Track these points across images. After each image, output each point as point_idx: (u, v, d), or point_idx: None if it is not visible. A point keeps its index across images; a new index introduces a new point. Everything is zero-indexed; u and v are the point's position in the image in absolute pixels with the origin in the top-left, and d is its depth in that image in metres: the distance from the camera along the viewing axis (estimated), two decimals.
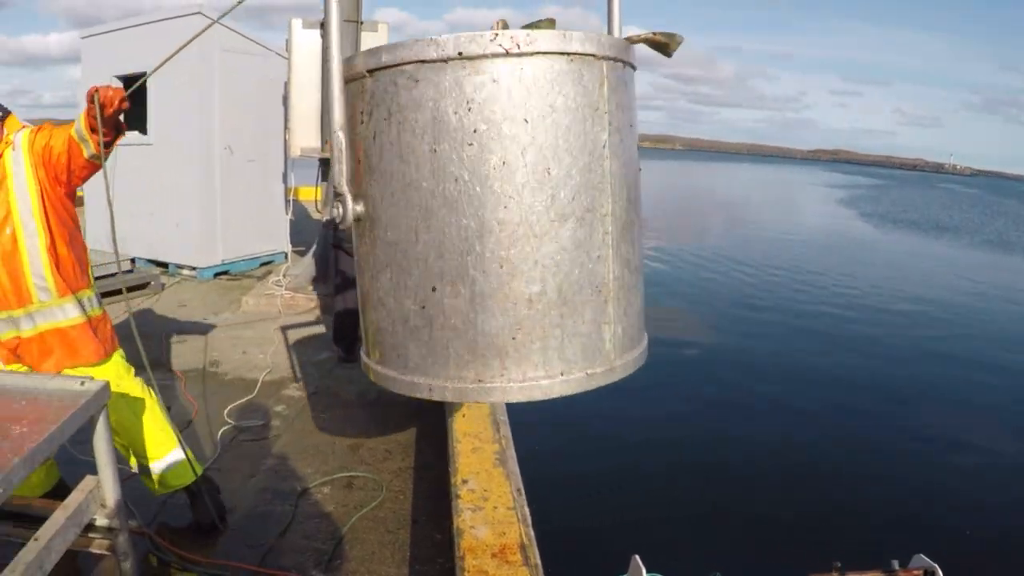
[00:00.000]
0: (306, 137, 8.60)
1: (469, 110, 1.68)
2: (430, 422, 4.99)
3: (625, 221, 1.87)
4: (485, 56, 1.67)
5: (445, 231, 1.73)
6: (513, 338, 1.76)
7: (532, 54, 1.68)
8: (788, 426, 9.09)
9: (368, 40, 8.74)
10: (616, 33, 2.13)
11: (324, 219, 8.36)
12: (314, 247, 8.83)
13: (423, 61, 1.70)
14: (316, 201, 8.45)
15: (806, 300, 16.65)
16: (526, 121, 1.68)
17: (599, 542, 6.08)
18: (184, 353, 6.55)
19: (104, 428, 2.50)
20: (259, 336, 7.04)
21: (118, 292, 8.43)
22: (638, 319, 2.01)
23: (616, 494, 7.16)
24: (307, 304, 7.92)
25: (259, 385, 5.68)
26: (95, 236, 8.34)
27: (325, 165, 8.35)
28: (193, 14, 9.27)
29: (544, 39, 1.70)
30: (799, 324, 14.38)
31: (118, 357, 3.56)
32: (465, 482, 3.44)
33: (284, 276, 8.55)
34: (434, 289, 1.77)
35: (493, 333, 1.76)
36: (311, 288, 8.26)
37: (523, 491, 3.45)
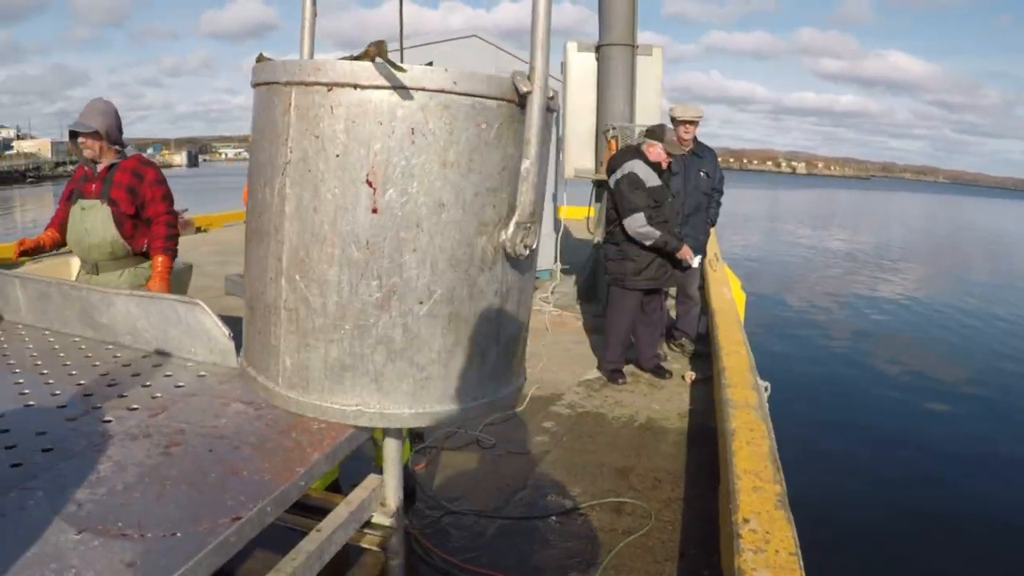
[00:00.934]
0: (580, 158, 8.70)
1: None
2: (701, 453, 4.86)
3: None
4: None
5: None
6: None
7: None
8: None
9: (643, 64, 8.74)
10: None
11: (595, 240, 8.41)
12: (584, 266, 8.89)
13: None
14: (587, 220, 8.50)
15: None
16: None
17: None
18: None
19: (396, 430, 2.57)
20: (528, 351, 7.06)
21: None
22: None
23: (890, 550, 6.74)
24: (574, 322, 7.97)
25: (527, 400, 5.73)
26: None
27: (599, 186, 8.40)
28: (469, 36, 9.62)
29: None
30: None
31: None
32: (747, 521, 3.28)
33: (552, 293, 8.65)
34: None
35: None
36: (578, 307, 8.31)
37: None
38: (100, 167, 4.53)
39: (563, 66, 8.80)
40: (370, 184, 1.66)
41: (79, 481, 1.93)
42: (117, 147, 4.60)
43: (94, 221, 4.48)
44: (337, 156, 1.68)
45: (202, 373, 2.84)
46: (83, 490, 1.88)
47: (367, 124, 1.65)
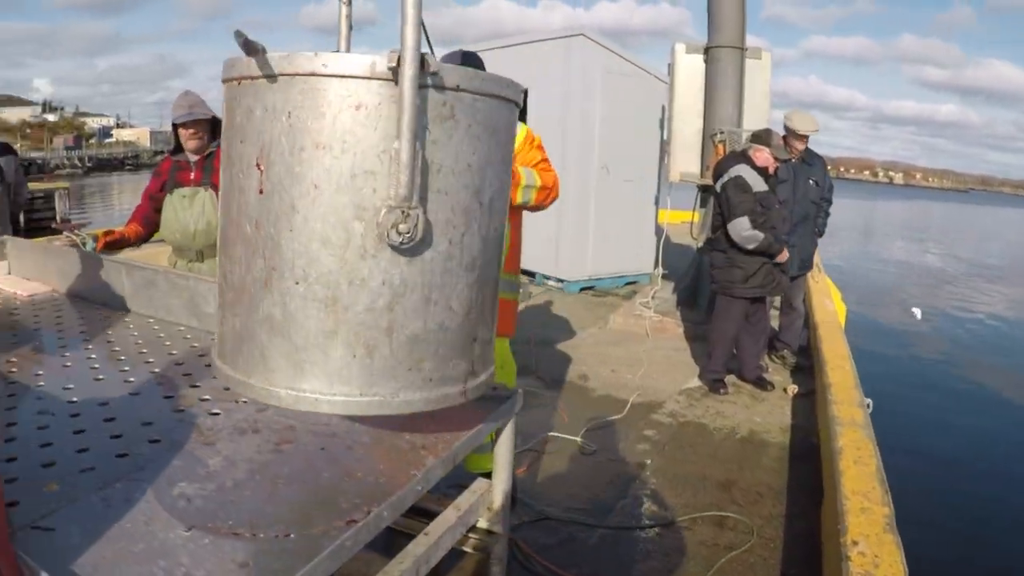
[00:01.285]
0: (686, 162, 8.58)
1: None
2: (803, 469, 4.74)
3: None
4: None
5: None
6: None
7: None
8: None
9: (751, 68, 8.58)
10: None
11: (698, 245, 8.29)
12: (686, 272, 8.77)
13: None
14: (691, 225, 8.37)
15: None
16: None
17: None
18: (553, 363, 6.71)
19: (509, 435, 2.54)
20: (628, 356, 7.06)
21: None
22: None
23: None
24: (675, 328, 7.86)
25: (628, 406, 5.67)
26: None
27: (704, 191, 8.27)
28: (575, 35, 9.56)
29: None
30: None
31: (506, 342, 3.87)
32: (855, 544, 3.18)
33: (652, 298, 8.56)
34: None
35: None
36: (678, 313, 8.20)
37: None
38: (197, 156, 4.56)
39: (670, 67, 8.69)
40: (259, 167, 1.70)
41: (187, 475, 1.95)
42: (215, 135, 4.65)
43: (199, 208, 4.51)
44: (241, 143, 1.74)
45: None
46: (192, 485, 1.89)
47: (257, 112, 1.69)
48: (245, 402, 2.49)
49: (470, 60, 3.66)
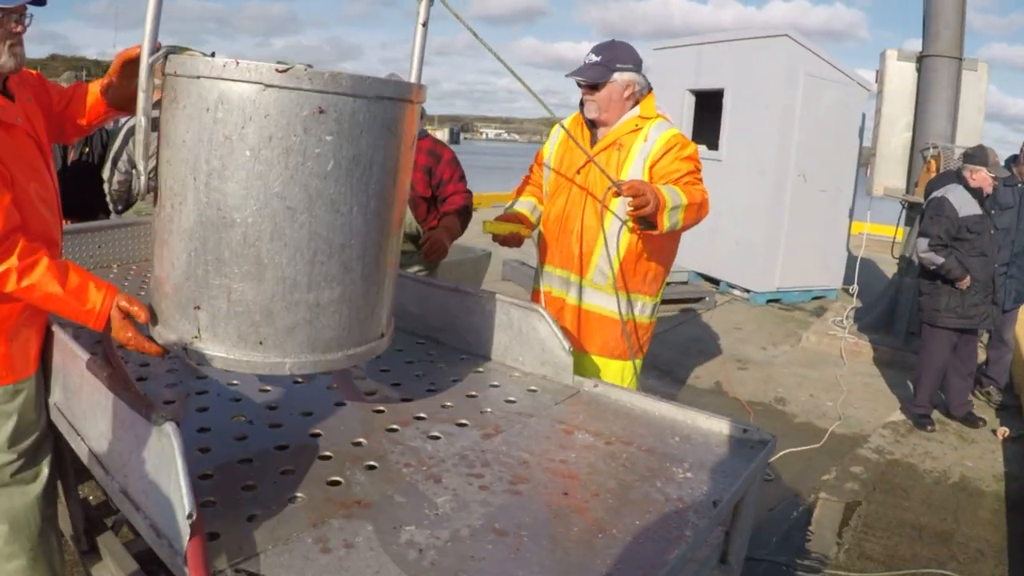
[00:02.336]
0: (891, 176, 8.06)
1: None
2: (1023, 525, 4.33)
3: None
4: None
5: None
6: None
7: None
8: None
9: (967, 79, 8.00)
10: None
11: (899, 265, 7.78)
12: (884, 293, 8.24)
13: None
14: (892, 243, 7.86)
15: None
16: None
17: None
18: (747, 382, 6.41)
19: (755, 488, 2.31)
20: (825, 379, 6.67)
21: (671, 302, 8.61)
22: None
23: None
24: (870, 352, 7.38)
25: (827, 436, 5.32)
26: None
27: (910, 208, 7.75)
28: (779, 35, 9.12)
29: None
30: None
31: (632, 364, 3.51)
32: None
33: (847, 317, 8.08)
34: None
35: None
36: (873, 335, 7.70)
37: None
38: None
39: (878, 74, 8.17)
40: None
41: (415, 517, 1.79)
42: None
43: None
44: None
45: (533, 388, 2.68)
46: (421, 531, 1.72)
47: None
48: (465, 424, 2.35)
49: (621, 48, 3.38)
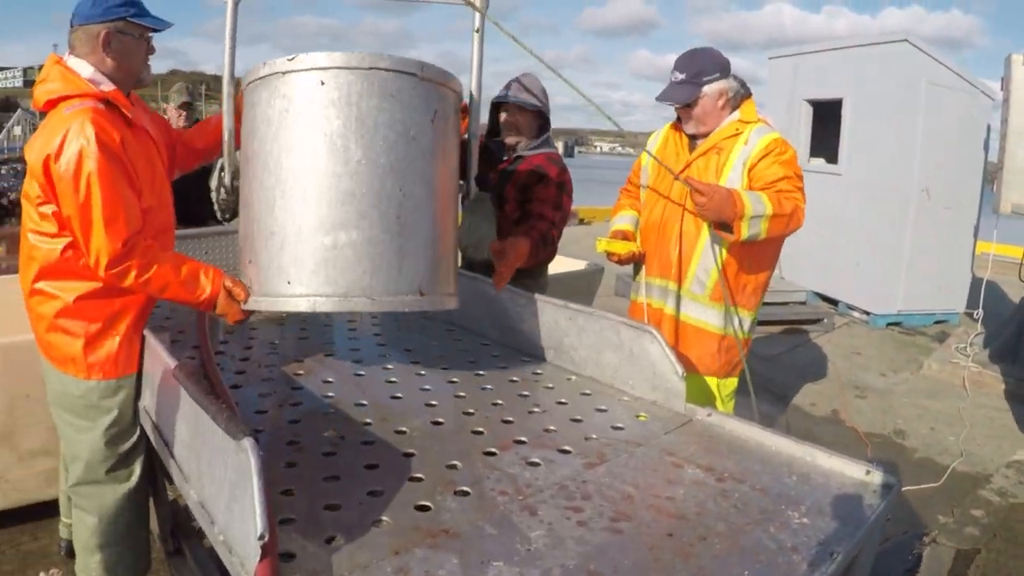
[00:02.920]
0: (1020, 192, 7.62)
1: None
2: None
3: None
4: None
5: None
6: None
7: None
8: None
9: None
10: None
11: None
12: (1010, 319, 7.80)
13: None
14: (1020, 265, 7.44)
15: None
16: None
17: None
18: (865, 411, 6.11)
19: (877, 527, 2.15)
20: (946, 412, 6.29)
21: (787, 323, 8.35)
22: None
23: None
24: (995, 384, 6.96)
25: (947, 474, 5.01)
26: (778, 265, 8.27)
27: None
28: (899, 41, 8.69)
29: None
30: None
31: (727, 382, 3.43)
32: None
33: (971, 344, 7.68)
34: None
35: None
36: (998, 365, 7.29)
37: None
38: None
39: (1004, 82, 7.66)
40: None
41: (505, 551, 1.68)
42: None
43: (478, 215, 3.98)
44: None
45: (641, 414, 2.55)
46: (510, 567, 1.62)
47: None
48: (568, 451, 2.25)
49: (703, 57, 3.30)
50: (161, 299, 2.60)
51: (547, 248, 3.58)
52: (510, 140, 3.80)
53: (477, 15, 2.93)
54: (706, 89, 3.23)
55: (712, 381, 3.39)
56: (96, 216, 2.38)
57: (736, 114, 3.28)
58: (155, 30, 2.70)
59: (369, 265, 2.29)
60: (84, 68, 2.58)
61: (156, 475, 2.84)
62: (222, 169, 2.81)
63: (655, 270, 3.45)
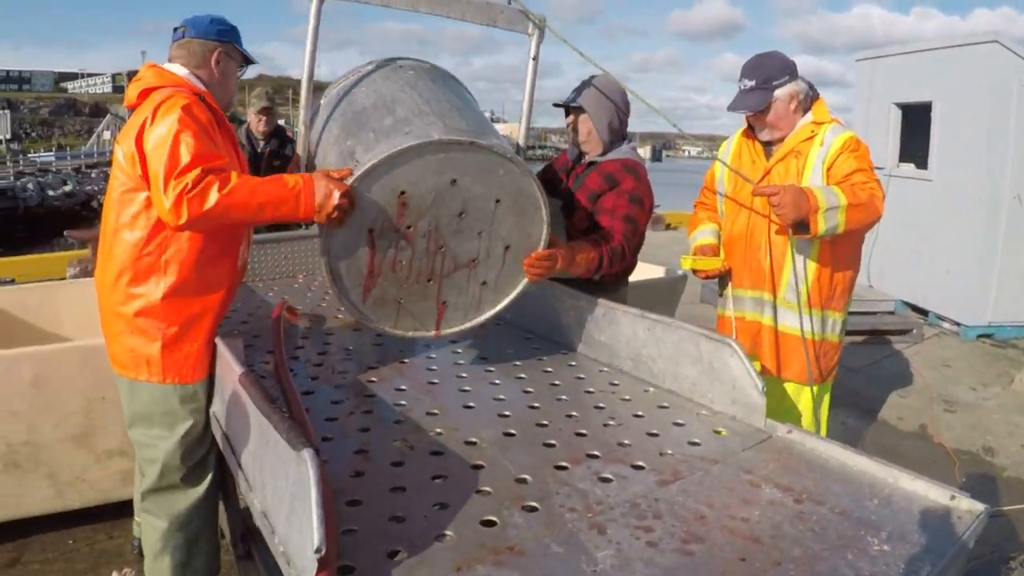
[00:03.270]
0: None
1: None
2: None
3: None
4: None
5: None
6: None
7: None
8: None
9: None
10: None
11: None
12: None
13: None
14: None
15: None
16: None
17: None
18: (954, 427, 5.89)
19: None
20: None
21: (875, 333, 8.13)
22: None
23: None
24: None
25: None
26: (865, 273, 8.05)
27: None
28: (988, 42, 8.35)
29: None
30: None
31: (824, 388, 3.38)
32: None
33: None
34: None
35: None
36: None
37: None
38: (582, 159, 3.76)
39: None
40: None
41: (570, 572, 1.65)
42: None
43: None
44: None
45: (719, 429, 2.49)
46: None
47: None
48: (641, 467, 2.20)
49: (770, 62, 3.26)
50: (250, 218, 2.49)
51: (615, 264, 3.33)
52: (579, 144, 3.64)
53: (534, 42, 3.10)
54: (777, 93, 3.20)
55: (810, 390, 3.33)
56: (182, 156, 2.38)
57: (809, 116, 3.26)
58: (251, 62, 2.94)
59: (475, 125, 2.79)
60: (180, 70, 2.74)
61: (227, 479, 2.87)
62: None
63: (746, 282, 3.41)
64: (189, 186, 2.33)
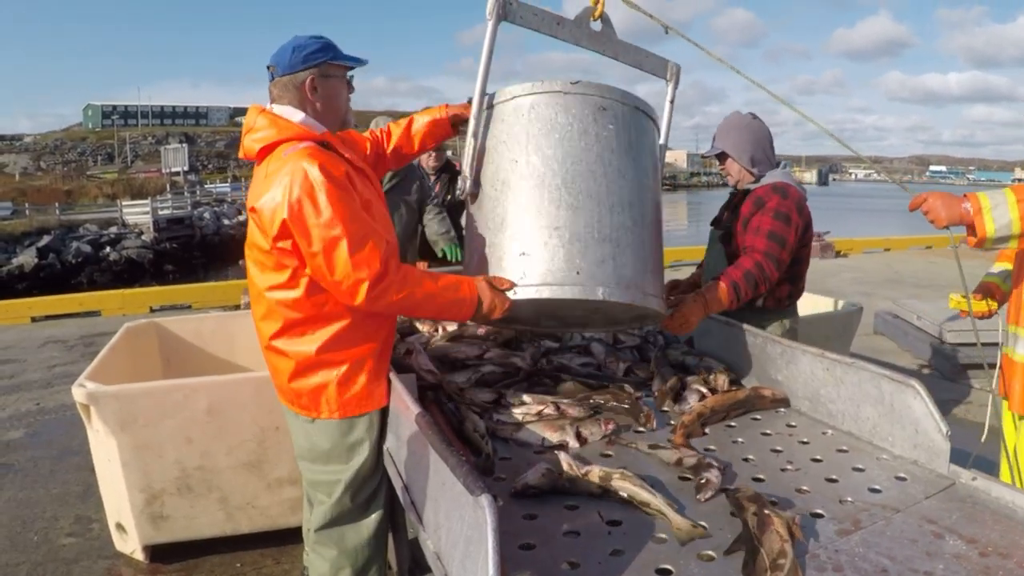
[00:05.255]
0: None
1: None
2: None
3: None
4: None
5: None
6: None
7: None
8: None
9: None
10: None
11: None
12: None
13: None
14: None
15: None
16: None
17: None
18: None
19: None
20: None
21: None
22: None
23: None
24: None
25: None
26: None
27: None
28: None
29: None
30: None
31: None
32: None
33: None
34: None
35: None
36: None
37: None
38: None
39: None
40: None
41: None
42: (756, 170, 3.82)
43: (711, 260, 4.01)
44: None
45: (901, 475, 2.40)
46: None
47: None
48: (820, 515, 2.14)
49: None
50: (420, 316, 2.71)
51: (760, 284, 3.36)
52: (735, 184, 3.89)
53: (671, 88, 3.41)
54: None
55: None
56: (342, 246, 2.39)
57: None
58: (358, 64, 2.81)
59: (637, 266, 2.78)
60: (294, 114, 2.67)
61: (396, 511, 2.91)
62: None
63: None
64: (369, 286, 2.42)
